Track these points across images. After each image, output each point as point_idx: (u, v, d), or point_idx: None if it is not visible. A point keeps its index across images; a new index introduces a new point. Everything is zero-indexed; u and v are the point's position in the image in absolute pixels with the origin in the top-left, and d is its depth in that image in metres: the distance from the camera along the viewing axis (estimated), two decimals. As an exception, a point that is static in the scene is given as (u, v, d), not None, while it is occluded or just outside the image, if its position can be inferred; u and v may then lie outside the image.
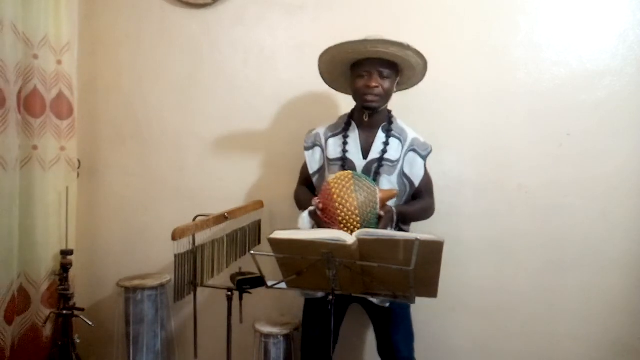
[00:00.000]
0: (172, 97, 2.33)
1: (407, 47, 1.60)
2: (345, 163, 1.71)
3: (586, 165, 1.98)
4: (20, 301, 2.07)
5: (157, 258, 2.34)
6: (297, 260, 1.37)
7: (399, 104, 1.85)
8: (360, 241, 1.29)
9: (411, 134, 1.77)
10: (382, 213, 1.54)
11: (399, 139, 1.73)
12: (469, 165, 2.08)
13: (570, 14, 1.98)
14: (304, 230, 1.53)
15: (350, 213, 1.49)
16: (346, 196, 1.49)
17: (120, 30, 2.35)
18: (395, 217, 1.62)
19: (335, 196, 1.50)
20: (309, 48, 2.02)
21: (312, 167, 1.82)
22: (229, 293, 1.77)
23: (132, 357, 2.11)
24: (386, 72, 1.66)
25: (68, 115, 2.22)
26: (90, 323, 2.05)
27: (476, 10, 2.04)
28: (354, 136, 1.74)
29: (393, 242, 1.27)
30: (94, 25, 2.36)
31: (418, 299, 1.39)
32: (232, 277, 1.80)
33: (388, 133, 1.73)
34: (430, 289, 1.36)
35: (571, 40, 1.98)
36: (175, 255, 1.59)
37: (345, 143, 1.74)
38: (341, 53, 1.66)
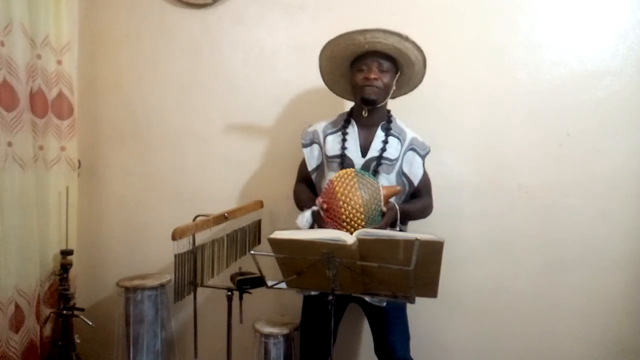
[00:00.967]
0: (172, 97, 2.33)
1: (405, 39, 1.60)
2: (343, 160, 1.71)
3: (586, 165, 1.98)
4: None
5: (157, 258, 2.34)
6: (297, 260, 1.37)
7: (399, 103, 1.86)
8: (360, 241, 1.29)
9: (410, 134, 1.77)
10: (384, 209, 1.55)
11: (398, 138, 1.73)
12: (469, 165, 2.08)
13: (570, 14, 1.98)
14: (304, 230, 1.52)
15: (355, 211, 1.49)
16: (350, 194, 1.49)
17: (120, 30, 2.35)
18: (398, 214, 1.62)
19: (339, 195, 1.50)
20: (309, 48, 2.02)
21: (311, 165, 1.82)
22: (229, 293, 1.77)
23: (132, 357, 2.11)
24: (386, 65, 1.66)
25: (68, 115, 2.23)
26: (90, 323, 2.05)
27: (476, 10, 2.04)
28: (353, 134, 1.74)
29: (393, 242, 1.27)
30: (94, 25, 2.36)
31: (418, 299, 1.39)
32: (232, 277, 1.80)
33: (387, 132, 1.73)
34: (430, 289, 1.36)
35: (571, 40, 1.98)
36: (175, 255, 1.59)
37: (344, 140, 1.73)
38: (341, 46, 1.66)
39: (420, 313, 2.01)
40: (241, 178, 2.28)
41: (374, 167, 1.69)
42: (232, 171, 2.28)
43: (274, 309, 2.25)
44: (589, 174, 1.98)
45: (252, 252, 1.40)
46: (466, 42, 2.05)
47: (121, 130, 2.39)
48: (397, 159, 1.72)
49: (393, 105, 1.83)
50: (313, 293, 1.76)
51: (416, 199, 1.79)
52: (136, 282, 2.14)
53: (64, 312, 2.09)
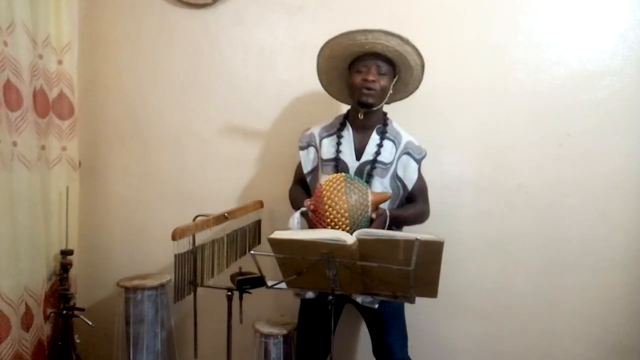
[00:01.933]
0: (172, 97, 2.33)
1: (406, 42, 1.60)
2: (338, 164, 1.70)
3: (586, 165, 1.98)
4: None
5: (157, 258, 2.34)
6: (297, 260, 1.37)
7: (399, 103, 1.86)
8: (360, 241, 1.29)
9: (405, 137, 1.76)
10: (374, 216, 1.53)
11: (393, 141, 1.72)
12: (469, 165, 2.08)
13: (570, 14, 1.98)
14: (304, 230, 1.53)
15: (339, 215, 1.48)
16: (336, 198, 1.49)
17: (120, 30, 2.35)
18: (388, 221, 1.60)
19: (325, 198, 1.50)
20: (309, 48, 2.01)
21: (306, 167, 1.82)
22: (229, 293, 1.77)
23: (132, 357, 2.11)
24: (384, 68, 1.65)
25: (69, 116, 2.23)
26: (90, 323, 2.05)
27: (476, 10, 2.04)
28: (348, 137, 1.73)
29: (393, 242, 1.27)
30: (94, 25, 2.37)
31: (418, 299, 1.39)
32: (232, 277, 1.80)
33: (382, 135, 1.71)
34: (430, 289, 1.36)
35: (571, 40, 1.98)
36: (175, 255, 1.59)
37: (339, 144, 1.73)
38: (341, 45, 1.65)
39: (420, 313, 2.01)
40: (241, 178, 2.28)
41: (368, 170, 1.68)
42: (232, 171, 2.28)
43: (274, 309, 2.25)
44: (589, 174, 1.98)
45: (252, 252, 1.41)
46: (466, 42, 2.05)
47: (121, 130, 2.39)
48: (391, 163, 1.70)
49: (393, 105, 1.83)
50: (310, 296, 1.76)
51: (410, 204, 1.77)
52: (136, 282, 2.14)
53: (64, 312, 2.09)
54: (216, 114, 2.29)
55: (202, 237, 1.70)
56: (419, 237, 1.22)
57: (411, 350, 1.81)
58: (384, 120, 1.75)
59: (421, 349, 1.99)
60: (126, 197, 2.40)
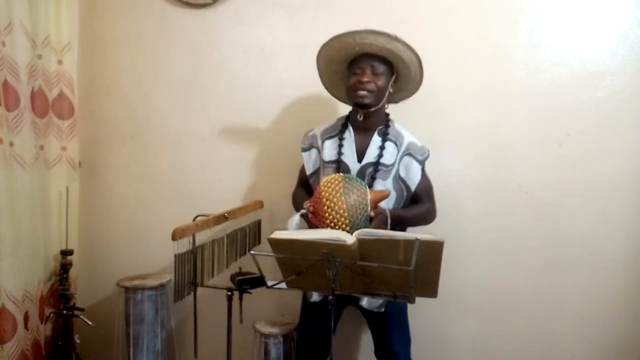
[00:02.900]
0: (172, 97, 2.33)
1: (395, 38, 1.58)
2: (340, 166, 1.70)
3: (586, 165, 1.98)
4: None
5: (157, 258, 2.34)
6: (297, 260, 1.37)
7: (399, 104, 1.86)
8: (361, 241, 1.29)
9: (407, 138, 1.74)
10: (372, 214, 1.53)
11: (394, 142, 1.70)
12: (469, 166, 2.08)
13: (570, 14, 1.98)
14: (304, 230, 1.52)
15: (338, 216, 1.48)
16: (335, 199, 1.49)
17: (120, 30, 2.35)
18: (388, 219, 1.59)
19: (324, 199, 1.50)
20: (309, 48, 2.01)
21: (309, 169, 1.82)
22: (229, 293, 1.77)
23: (132, 357, 2.11)
24: (380, 68, 1.64)
25: (69, 116, 2.23)
26: (90, 323, 2.05)
27: (476, 10, 2.04)
28: (350, 139, 1.73)
29: (393, 242, 1.27)
30: (94, 25, 2.37)
31: (418, 299, 1.39)
32: (232, 277, 1.80)
33: (384, 137, 1.70)
34: (430, 289, 1.36)
35: (571, 40, 1.98)
36: (175, 255, 1.59)
37: (340, 146, 1.72)
38: (334, 48, 1.66)
39: (420, 313, 2.01)
40: (241, 178, 2.28)
41: (371, 172, 1.67)
42: (232, 171, 2.28)
43: (274, 309, 2.25)
44: (589, 174, 1.98)
45: (252, 252, 1.40)
46: (466, 42, 2.05)
47: (121, 130, 2.39)
48: (392, 165, 1.69)
49: (393, 105, 1.83)
50: (315, 299, 1.75)
51: (415, 204, 1.76)
52: (136, 282, 2.14)
53: (64, 312, 2.09)
54: (216, 114, 2.29)
55: (202, 237, 1.70)
56: (419, 237, 1.22)
57: (411, 350, 1.81)
58: (385, 121, 1.75)
59: (421, 349, 1.99)
60: (126, 197, 2.40)
